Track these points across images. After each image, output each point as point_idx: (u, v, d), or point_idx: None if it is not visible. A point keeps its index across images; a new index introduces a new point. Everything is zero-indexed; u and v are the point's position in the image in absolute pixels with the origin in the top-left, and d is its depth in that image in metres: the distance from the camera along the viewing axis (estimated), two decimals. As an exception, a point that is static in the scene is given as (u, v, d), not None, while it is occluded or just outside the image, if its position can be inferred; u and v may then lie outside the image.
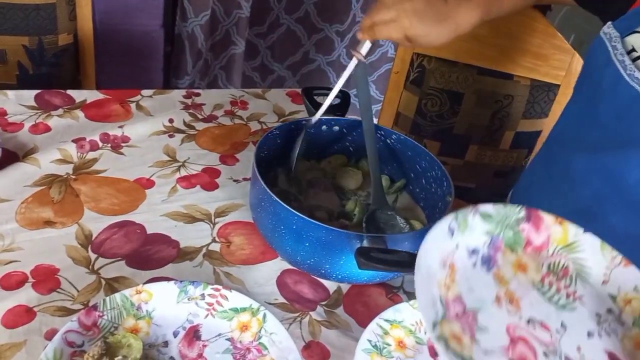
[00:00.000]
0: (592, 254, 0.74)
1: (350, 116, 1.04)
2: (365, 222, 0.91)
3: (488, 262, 0.75)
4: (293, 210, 0.79)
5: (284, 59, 2.18)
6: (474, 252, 0.74)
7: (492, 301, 0.70)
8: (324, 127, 1.02)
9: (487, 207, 0.76)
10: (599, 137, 0.86)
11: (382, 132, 1.03)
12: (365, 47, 0.92)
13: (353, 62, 0.93)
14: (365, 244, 0.77)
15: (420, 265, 0.67)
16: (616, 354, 0.68)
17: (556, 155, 0.96)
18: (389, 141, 1.03)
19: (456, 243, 0.73)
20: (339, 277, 0.86)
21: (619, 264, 0.73)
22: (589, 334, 0.69)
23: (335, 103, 1.05)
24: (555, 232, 0.76)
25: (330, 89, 1.08)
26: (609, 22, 0.86)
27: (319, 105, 1.00)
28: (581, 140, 0.91)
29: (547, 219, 0.76)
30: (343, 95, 1.07)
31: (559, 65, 1.35)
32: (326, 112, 1.01)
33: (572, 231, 0.76)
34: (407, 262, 0.74)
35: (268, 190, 0.81)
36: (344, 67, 2.31)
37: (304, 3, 2.06)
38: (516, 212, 0.76)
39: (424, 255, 0.68)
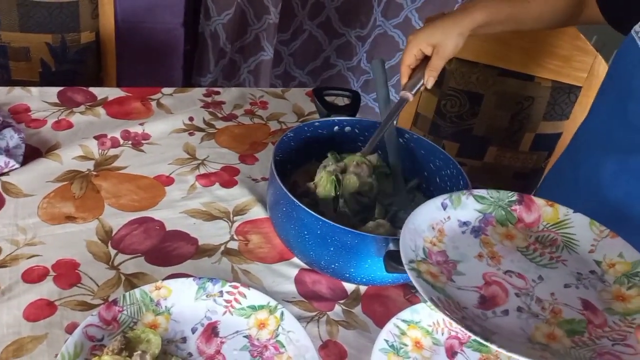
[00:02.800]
0: (581, 229, 0.79)
1: (359, 116, 1.05)
2: (390, 223, 0.91)
3: (477, 231, 0.81)
4: (318, 216, 0.79)
5: (305, 64, 2.18)
6: (465, 224, 0.80)
7: (474, 256, 0.76)
8: (335, 127, 1.02)
9: (481, 191, 0.83)
10: (628, 138, 0.86)
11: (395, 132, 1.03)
12: (413, 85, 0.98)
13: (400, 102, 0.98)
14: (391, 247, 0.77)
15: (409, 223, 0.74)
16: (590, 301, 0.72)
17: (583, 157, 0.96)
18: (401, 140, 1.03)
19: (448, 215, 0.80)
20: (364, 280, 0.86)
21: (606, 236, 0.78)
22: (566, 285, 0.74)
23: (345, 103, 1.05)
24: (546, 212, 0.82)
25: (342, 89, 1.09)
26: None
27: (331, 105, 1.01)
28: (610, 142, 0.90)
29: (539, 201, 0.82)
30: (353, 95, 1.07)
31: (580, 67, 1.33)
32: (337, 113, 1.01)
33: (563, 211, 0.81)
34: None
35: (290, 195, 0.81)
36: (364, 72, 2.31)
37: (325, 7, 2.06)
38: (509, 195, 0.83)
39: (413, 219, 0.75)
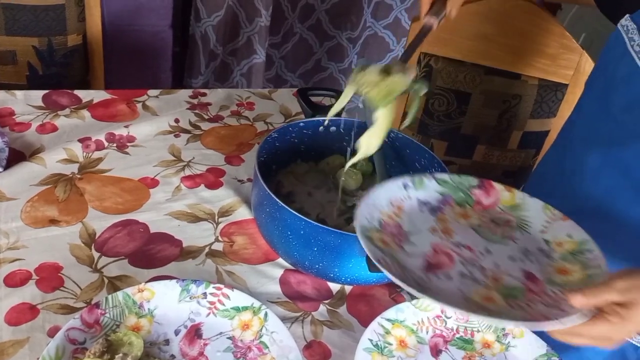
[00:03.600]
0: (535, 212, 0.83)
1: (345, 117, 1.04)
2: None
3: (435, 210, 0.83)
4: (301, 216, 0.79)
5: (296, 68, 2.18)
6: (424, 203, 0.84)
7: (427, 230, 0.79)
8: (321, 128, 1.02)
9: (444, 175, 0.86)
10: (611, 131, 0.87)
11: None
12: (437, 11, 0.89)
13: (424, 29, 0.89)
14: None
15: (368, 198, 0.77)
16: (533, 272, 0.75)
17: (568, 152, 0.96)
18: (387, 140, 1.02)
19: (409, 195, 0.83)
20: (348, 279, 0.86)
21: (559, 218, 0.81)
22: (512, 258, 0.77)
23: (331, 104, 1.05)
24: (504, 196, 0.86)
25: (327, 89, 1.09)
26: (627, 15, 0.85)
27: (316, 105, 1.00)
28: (593, 135, 0.91)
29: (498, 186, 0.86)
30: (339, 95, 1.07)
31: (567, 64, 1.33)
32: (322, 113, 1.01)
33: (519, 195, 0.85)
34: None
35: (274, 196, 0.81)
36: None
37: (315, 10, 2.06)
38: (470, 180, 0.86)
39: (373, 195, 0.78)
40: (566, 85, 1.36)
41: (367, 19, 2.09)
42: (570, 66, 1.33)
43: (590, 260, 0.74)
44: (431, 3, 0.90)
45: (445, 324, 0.84)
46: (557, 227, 0.80)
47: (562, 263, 0.76)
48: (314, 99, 1.07)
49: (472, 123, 1.42)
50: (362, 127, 1.03)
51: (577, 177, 0.90)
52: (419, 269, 0.72)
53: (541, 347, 0.81)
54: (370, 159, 1.00)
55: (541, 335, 0.83)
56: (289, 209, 0.80)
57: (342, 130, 1.04)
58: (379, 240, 0.73)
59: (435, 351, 0.81)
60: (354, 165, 1.04)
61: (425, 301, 0.84)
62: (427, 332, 0.82)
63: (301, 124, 1.00)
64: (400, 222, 0.79)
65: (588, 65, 1.32)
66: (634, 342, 0.88)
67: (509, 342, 0.83)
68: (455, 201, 0.85)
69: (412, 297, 0.88)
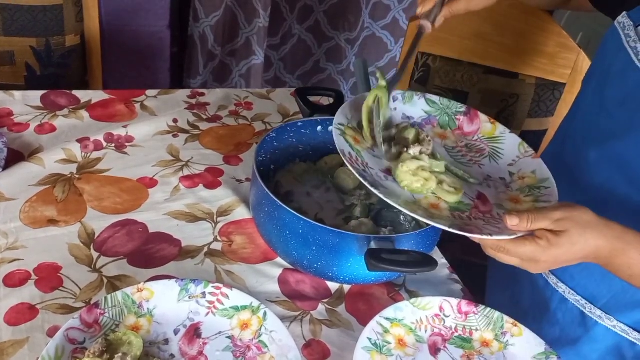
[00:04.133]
0: (510, 146, 0.86)
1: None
2: (373, 222, 0.91)
3: (416, 126, 0.87)
4: (299, 215, 0.79)
5: (295, 69, 2.19)
6: (408, 118, 0.87)
7: None
8: (319, 127, 1.02)
9: (435, 97, 0.89)
10: (607, 125, 0.88)
11: None
12: (432, 14, 0.88)
13: (420, 32, 0.89)
14: (373, 245, 0.78)
15: (354, 99, 0.83)
16: (486, 195, 0.79)
17: (567, 146, 0.97)
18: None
19: (395, 107, 0.86)
20: (347, 279, 0.86)
21: (529, 155, 0.85)
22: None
23: (329, 103, 1.05)
24: (485, 127, 0.89)
25: (325, 89, 1.09)
26: (624, 12, 0.86)
27: (314, 105, 1.01)
28: (589, 130, 0.92)
29: (483, 117, 0.89)
30: (337, 95, 1.07)
31: (564, 63, 1.34)
32: (320, 113, 1.01)
33: (500, 129, 0.88)
34: (418, 262, 0.76)
35: (272, 196, 0.81)
36: (353, 75, 2.29)
37: (314, 11, 2.06)
38: (458, 106, 0.90)
39: (361, 98, 0.82)
40: (564, 85, 1.36)
41: (365, 20, 2.09)
42: (568, 65, 1.34)
43: (543, 196, 0.78)
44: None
45: (444, 322, 0.84)
46: (525, 163, 0.84)
47: (517, 193, 0.80)
48: (311, 98, 1.07)
49: (470, 122, 1.42)
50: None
51: (577, 170, 0.91)
52: (380, 170, 0.78)
53: (539, 345, 0.82)
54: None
55: (537, 330, 0.83)
56: (287, 208, 0.80)
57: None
58: (351, 138, 0.79)
59: (434, 350, 0.81)
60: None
61: (425, 299, 0.84)
62: (425, 331, 0.83)
63: (299, 124, 1.00)
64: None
65: (585, 64, 1.32)
66: (630, 339, 0.88)
67: (507, 340, 0.83)
68: (438, 122, 0.88)
69: (412, 296, 0.88)
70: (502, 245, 0.70)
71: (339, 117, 0.80)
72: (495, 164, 0.84)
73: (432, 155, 0.82)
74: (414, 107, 0.88)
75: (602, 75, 0.90)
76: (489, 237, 0.69)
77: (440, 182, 0.78)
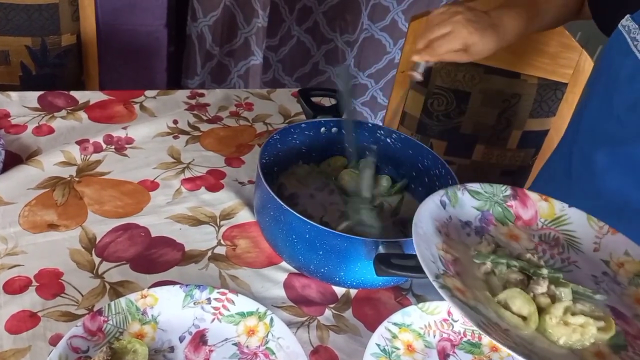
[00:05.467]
0: (580, 226, 0.79)
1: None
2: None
3: (480, 232, 0.79)
4: (306, 219, 0.78)
5: (293, 71, 2.17)
6: (466, 224, 0.79)
7: None
8: (322, 129, 1.01)
9: (474, 185, 0.82)
10: (616, 130, 0.87)
11: (382, 132, 1.02)
12: (422, 67, 0.94)
13: (410, 82, 0.94)
14: (381, 250, 0.76)
15: (417, 227, 0.69)
16: (618, 308, 0.70)
17: (574, 153, 0.96)
18: (389, 140, 1.02)
19: (449, 215, 0.77)
20: (354, 283, 0.85)
21: (607, 232, 0.77)
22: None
23: (332, 104, 1.04)
24: (542, 208, 0.81)
25: (328, 90, 1.08)
26: (628, 15, 0.85)
27: (317, 106, 1.00)
28: (598, 135, 0.91)
29: (533, 196, 0.82)
30: (339, 96, 1.06)
31: (566, 63, 1.33)
32: (323, 114, 1.00)
33: (558, 206, 0.81)
34: None
35: (278, 199, 0.80)
36: (353, 78, 2.28)
37: (313, 12, 2.04)
38: (502, 190, 0.82)
39: (420, 222, 0.71)
40: (566, 84, 1.35)
41: (364, 22, 2.08)
42: (570, 65, 1.33)
43: None
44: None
45: (453, 327, 0.83)
46: (609, 244, 0.76)
47: (635, 290, 0.71)
48: (313, 99, 1.06)
49: (471, 122, 1.42)
50: (364, 128, 1.03)
51: (586, 177, 0.90)
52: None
53: (549, 350, 0.80)
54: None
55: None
56: (293, 212, 0.79)
57: (343, 132, 1.03)
58: (456, 290, 0.63)
59: (443, 355, 0.80)
60: (355, 166, 1.04)
61: (433, 304, 0.83)
62: (434, 336, 0.81)
63: (303, 126, 0.99)
64: (458, 254, 0.72)
65: (588, 64, 1.32)
66: None
67: (516, 345, 0.82)
68: (495, 218, 0.80)
69: (419, 301, 0.87)
70: None
71: (430, 269, 0.64)
72: (582, 254, 0.75)
73: (551, 280, 0.68)
74: (464, 207, 0.79)
75: (610, 81, 0.89)
76: None
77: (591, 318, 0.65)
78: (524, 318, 0.65)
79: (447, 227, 0.76)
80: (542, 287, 0.66)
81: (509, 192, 0.82)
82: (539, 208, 0.81)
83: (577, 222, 0.79)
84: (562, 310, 0.65)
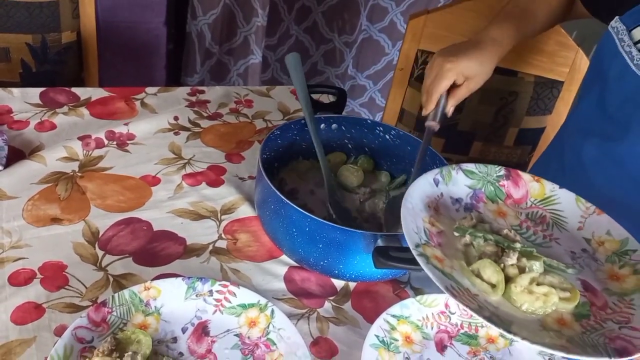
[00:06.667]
0: (568, 205, 0.81)
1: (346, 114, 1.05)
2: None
3: (470, 208, 0.81)
4: (307, 213, 0.79)
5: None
6: (457, 200, 0.81)
7: None
8: (322, 125, 1.02)
9: (470, 165, 0.84)
10: (606, 127, 0.89)
11: (381, 128, 1.03)
12: (438, 116, 0.97)
13: (429, 132, 0.96)
14: (380, 243, 0.78)
15: (406, 202, 0.73)
16: (589, 281, 0.74)
17: (567, 146, 0.98)
18: (387, 137, 1.03)
19: (440, 192, 0.80)
20: (353, 276, 0.86)
21: (593, 212, 0.80)
22: (566, 266, 0.75)
23: (331, 101, 1.05)
24: (533, 188, 0.84)
25: (327, 87, 1.09)
26: (616, 17, 0.87)
27: (316, 103, 1.01)
28: (589, 129, 0.93)
29: (525, 176, 0.84)
30: (339, 92, 1.07)
31: (563, 61, 1.35)
32: (322, 110, 1.01)
33: (549, 187, 0.83)
34: None
35: (279, 193, 0.81)
36: (350, 78, 2.29)
37: (311, 12, 2.05)
38: (497, 170, 0.84)
39: (409, 197, 0.75)
40: (562, 83, 1.37)
41: (363, 22, 2.09)
42: (566, 63, 1.34)
43: (638, 263, 0.73)
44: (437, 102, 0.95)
45: (450, 319, 0.84)
46: (593, 223, 0.79)
47: (610, 267, 0.75)
48: (312, 96, 1.07)
49: (468, 120, 1.43)
50: (363, 125, 1.04)
51: (578, 169, 0.92)
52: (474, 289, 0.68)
53: (545, 341, 0.82)
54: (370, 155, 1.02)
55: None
56: (294, 205, 0.80)
57: (343, 128, 1.04)
58: (434, 258, 0.68)
59: (441, 347, 0.81)
60: (354, 162, 1.05)
61: (431, 296, 0.84)
62: (432, 328, 0.83)
63: (303, 122, 1.00)
64: (443, 227, 0.76)
65: (584, 62, 1.33)
66: None
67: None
68: (486, 196, 0.83)
69: (417, 294, 0.89)
70: None
71: (411, 238, 0.68)
72: (566, 232, 0.79)
73: (525, 254, 0.72)
74: (456, 185, 0.82)
75: (601, 79, 0.91)
76: None
77: (554, 289, 0.69)
78: (493, 286, 0.69)
79: (437, 203, 0.79)
80: (512, 259, 0.71)
81: (502, 172, 0.85)
82: (530, 188, 0.84)
83: (565, 202, 0.82)
84: (527, 280, 0.69)
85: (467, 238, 0.75)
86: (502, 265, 0.71)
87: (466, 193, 0.83)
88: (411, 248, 0.67)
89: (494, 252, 0.73)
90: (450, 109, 0.96)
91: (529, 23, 1.03)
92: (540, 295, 0.68)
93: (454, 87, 0.96)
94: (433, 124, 0.96)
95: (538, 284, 0.69)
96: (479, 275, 0.70)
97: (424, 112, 0.97)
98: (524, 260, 0.71)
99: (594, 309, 0.70)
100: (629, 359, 0.62)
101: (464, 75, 0.95)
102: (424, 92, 0.97)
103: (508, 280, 0.70)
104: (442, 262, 0.69)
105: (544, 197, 0.83)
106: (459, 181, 0.83)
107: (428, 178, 0.81)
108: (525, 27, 1.02)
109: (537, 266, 0.71)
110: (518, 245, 0.72)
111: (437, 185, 0.81)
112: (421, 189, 0.78)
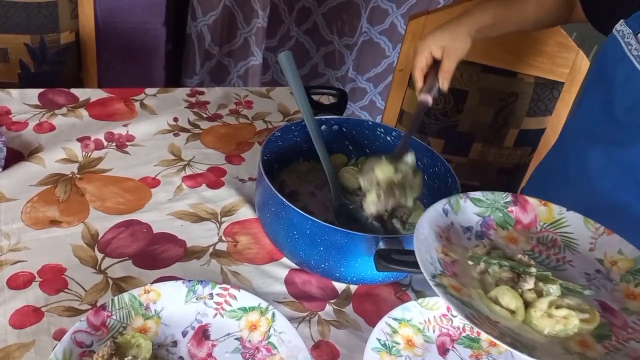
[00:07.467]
0: (577, 227, 0.81)
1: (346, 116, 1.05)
2: (337, 220, 0.92)
3: (481, 236, 0.81)
4: (308, 215, 0.79)
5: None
6: (468, 229, 0.81)
7: None
8: (323, 126, 1.01)
9: (477, 194, 0.84)
10: (613, 132, 0.88)
11: (382, 130, 1.03)
12: (430, 88, 0.96)
13: (421, 106, 0.95)
14: (381, 245, 0.77)
15: (418, 232, 0.73)
16: (606, 302, 0.73)
17: (571, 151, 0.98)
18: (389, 138, 1.03)
19: (451, 221, 0.80)
20: (354, 279, 0.86)
21: (603, 233, 0.80)
22: (582, 288, 0.73)
23: (331, 102, 1.05)
24: (541, 212, 0.83)
25: (328, 87, 1.09)
26: (621, 21, 0.87)
27: (317, 104, 1.00)
28: (596, 135, 0.92)
29: (533, 201, 0.84)
30: (340, 93, 1.07)
31: (563, 62, 1.34)
32: (323, 111, 1.01)
33: (557, 210, 0.83)
34: None
35: (279, 195, 0.80)
36: (351, 80, 2.28)
37: (312, 14, 2.04)
38: (503, 197, 0.84)
39: (421, 228, 0.74)
40: (562, 84, 1.37)
41: (363, 25, 2.08)
42: (567, 64, 1.34)
43: None
44: (424, 77, 0.96)
45: (452, 322, 0.84)
46: (604, 243, 0.78)
47: (626, 286, 0.74)
48: (313, 97, 1.06)
49: (468, 121, 1.43)
50: (364, 126, 1.04)
51: (582, 175, 0.91)
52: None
53: (547, 344, 0.82)
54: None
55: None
56: (295, 208, 0.80)
57: (344, 130, 1.04)
58: (451, 288, 0.68)
59: (443, 350, 0.81)
60: (355, 164, 1.05)
61: (432, 299, 0.84)
62: (434, 331, 0.82)
63: (303, 123, 0.99)
64: (456, 257, 0.75)
65: (584, 63, 1.33)
66: None
67: (514, 340, 0.83)
68: (496, 223, 0.83)
69: (418, 296, 0.88)
70: None
71: (427, 269, 0.68)
72: (578, 254, 0.79)
73: (541, 278, 0.72)
74: (465, 213, 0.82)
75: (606, 84, 0.91)
76: None
77: (573, 311, 0.69)
78: (513, 312, 0.68)
79: (448, 232, 0.78)
80: (529, 284, 0.70)
81: (509, 198, 0.84)
82: (539, 212, 0.83)
83: (574, 224, 0.81)
84: (546, 303, 0.68)
85: (482, 265, 0.73)
86: (520, 290, 0.70)
87: (476, 221, 0.82)
88: (427, 279, 0.66)
89: (510, 278, 0.72)
90: (444, 84, 0.97)
91: (514, 10, 1.04)
92: (561, 319, 0.67)
93: (438, 63, 0.98)
94: (425, 97, 0.95)
95: (557, 307, 0.68)
96: (497, 302, 0.69)
97: (417, 92, 0.98)
98: (540, 284, 0.70)
99: (614, 329, 0.69)
100: None
101: (439, 47, 0.96)
102: (413, 77, 0.99)
103: (527, 305, 0.69)
104: (460, 292, 0.68)
105: (553, 221, 0.82)
106: (468, 209, 0.82)
107: (437, 208, 0.79)
108: (509, 14, 1.03)
109: (554, 289, 0.70)
110: (533, 269, 0.72)
111: (446, 215, 0.80)
112: (432, 219, 0.77)
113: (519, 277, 0.72)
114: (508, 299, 0.69)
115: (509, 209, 0.84)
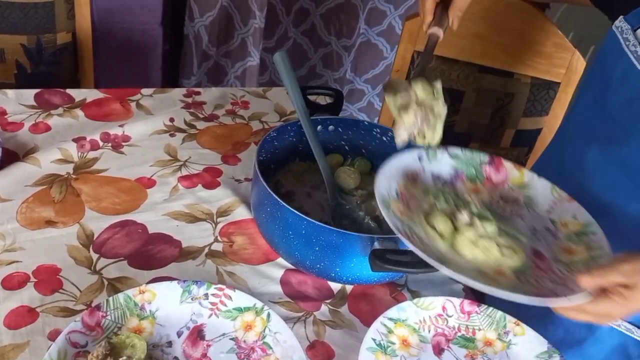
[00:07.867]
0: (542, 192, 0.86)
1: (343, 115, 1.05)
2: (333, 220, 0.91)
3: (447, 184, 0.86)
4: (303, 215, 0.79)
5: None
6: (437, 177, 0.86)
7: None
8: (319, 127, 1.01)
9: (456, 149, 0.88)
10: (609, 129, 0.88)
11: (378, 130, 1.03)
12: (439, 22, 0.89)
13: (432, 39, 0.89)
14: (376, 245, 0.77)
15: (384, 168, 0.80)
16: (540, 250, 0.78)
17: (566, 151, 0.98)
18: (385, 138, 1.03)
19: (423, 167, 0.85)
20: (349, 279, 0.86)
21: (565, 200, 0.84)
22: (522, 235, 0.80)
23: (328, 102, 1.05)
24: (513, 175, 0.88)
25: (324, 88, 1.09)
26: (621, 17, 0.87)
27: (313, 104, 1.00)
28: (591, 133, 0.92)
29: (508, 164, 0.88)
30: (336, 94, 1.07)
31: (559, 63, 1.34)
32: (319, 112, 1.01)
33: (528, 175, 0.87)
34: (422, 262, 0.74)
35: (275, 195, 0.80)
36: (348, 82, 2.28)
37: (310, 14, 2.04)
38: (481, 155, 0.88)
39: (389, 165, 0.80)
40: (558, 84, 1.37)
41: (361, 26, 2.08)
42: (563, 65, 1.34)
43: (594, 242, 0.77)
44: (434, 12, 0.90)
45: (447, 322, 0.84)
46: (562, 208, 0.83)
47: (567, 243, 0.79)
48: (309, 97, 1.06)
49: (465, 121, 1.43)
50: (360, 127, 1.04)
51: (577, 175, 0.91)
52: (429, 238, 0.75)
53: (542, 344, 0.82)
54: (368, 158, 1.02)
55: (542, 332, 0.83)
56: (290, 208, 0.80)
57: (340, 130, 1.04)
58: (397, 210, 0.76)
59: (438, 350, 0.81)
60: (351, 164, 1.05)
61: (428, 299, 0.84)
62: (429, 331, 0.83)
63: (299, 123, 0.99)
64: (416, 193, 0.80)
65: (580, 64, 1.33)
66: (635, 337, 0.89)
67: (510, 340, 0.83)
68: (466, 176, 0.87)
69: (414, 296, 0.88)
70: (579, 307, 0.68)
71: (380, 191, 0.76)
72: (534, 213, 0.83)
73: (480, 216, 0.78)
74: (440, 164, 0.86)
75: (604, 81, 0.90)
76: (570, 304, 0.67)
77: (498, 246, 0.75)
78: (443, 236, 0.76)
79: (416, 175, 0.84)
80: (465, 218, 0.77)
81: (487, 158, 0.89)
82: (511, 175, 0.88)
83: (541, 189, 0.86)
84: (472, 233, 0.75)
85: (431, 198, 0.80)
86: (456, 221, 0.77)
87: (447, 172, 0.87)
88: (377, 200, 0.74)
89: (452, 211, 0.79)
90: (454, 23, 0.89)
91: None
92: (483, 248, 0.74)
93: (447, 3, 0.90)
94: (436, 30, 0.87)
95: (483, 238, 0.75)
96: (432, 227, 0.77)
97: (424, 27, 0.90)
98: (477, 221, 0.76)
99: (536, 270, 0.75)
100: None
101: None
102: (420, 12, 0.91)
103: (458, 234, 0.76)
104: (406, 215, 0.77)
105: (522, 184, 0.87)
106: (443, 161, 0.87)
107: (413, 154, 0.85)
108: None
109: (490, 228, 0.76)
110: (474, 208, 0.78)
111: (420, 161, 0.85)
112: (403, 160, 0.83)
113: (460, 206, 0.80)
114: (441, 225, 0.76)
115: (483, 167, 0.88)
